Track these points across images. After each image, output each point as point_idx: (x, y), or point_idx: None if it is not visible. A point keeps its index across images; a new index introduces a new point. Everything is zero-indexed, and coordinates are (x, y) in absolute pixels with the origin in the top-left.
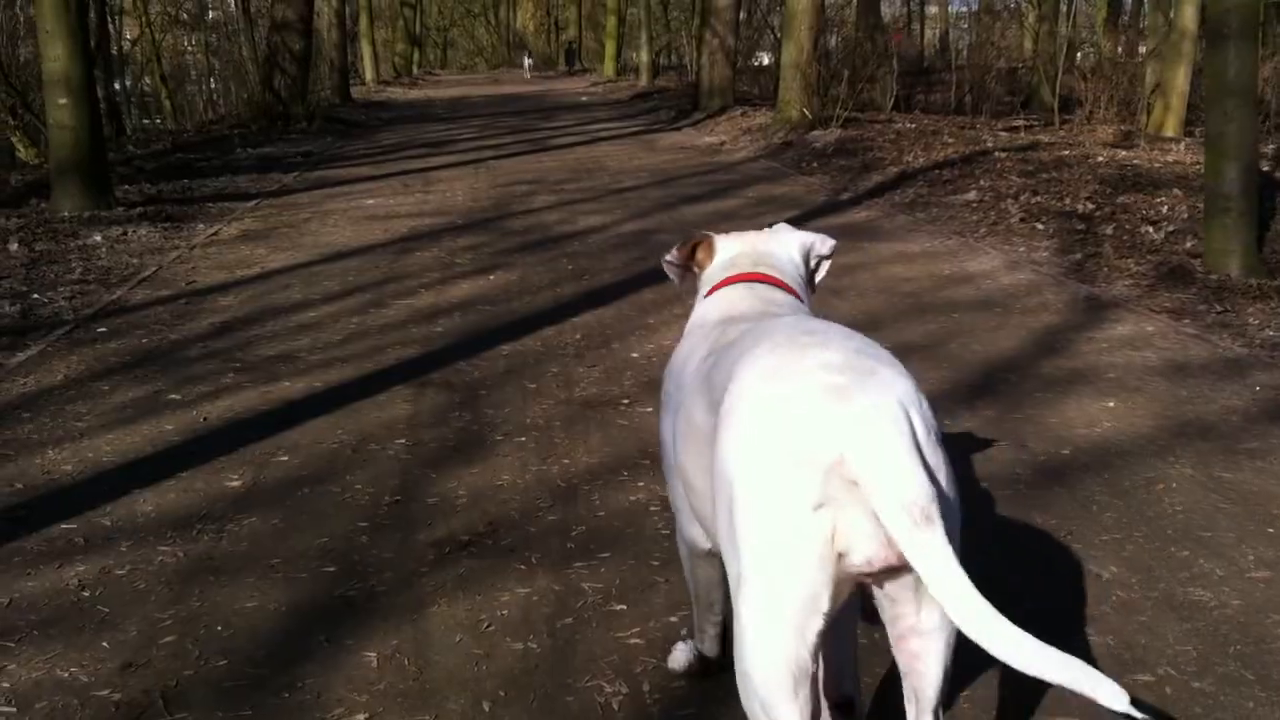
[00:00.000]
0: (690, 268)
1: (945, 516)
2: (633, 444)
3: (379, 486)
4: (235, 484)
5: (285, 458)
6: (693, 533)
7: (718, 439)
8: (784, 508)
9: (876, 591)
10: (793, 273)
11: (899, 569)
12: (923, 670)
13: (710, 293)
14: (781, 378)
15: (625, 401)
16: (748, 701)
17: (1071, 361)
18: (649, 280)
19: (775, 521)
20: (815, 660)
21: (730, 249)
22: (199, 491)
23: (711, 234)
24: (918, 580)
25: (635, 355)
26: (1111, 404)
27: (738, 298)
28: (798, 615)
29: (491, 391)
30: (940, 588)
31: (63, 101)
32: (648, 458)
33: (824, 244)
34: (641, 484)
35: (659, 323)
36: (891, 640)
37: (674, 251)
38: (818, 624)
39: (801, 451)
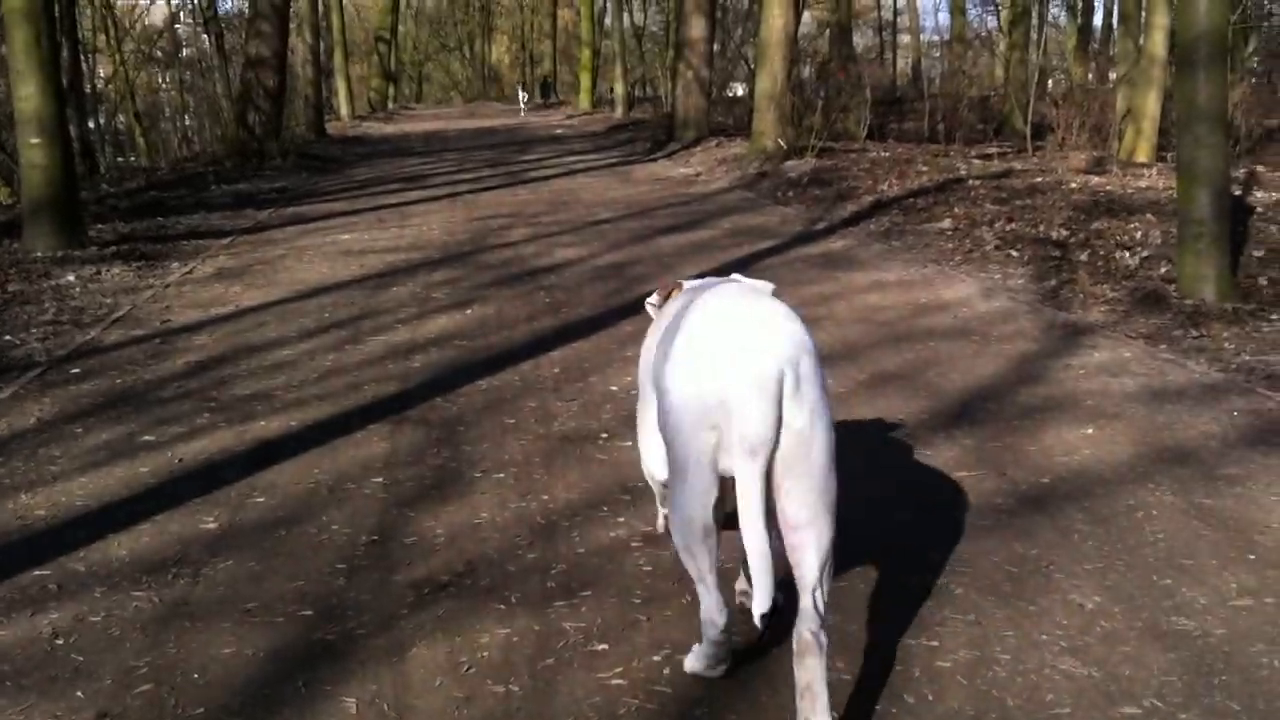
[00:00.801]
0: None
1: (813, 444)
2: (612, 479)
3: (356, 526)
4: (210, 526)
5: (261, 498)
6: (653, 466)
7: (662, 381)
8: (689, 427)
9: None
10: None
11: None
12: (799, 559)
13: None
14: (700, 343)
15: (604, 436)
16: (677, 542)
17: (1049, 389)
18: (626, 313)
19: (685, 434)
20: (716, 522)
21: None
22: (174, 534)
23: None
24: (781, 479)
25: (613, 389)
26: (1090, 431)
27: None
28: (699, 493)
29: (469, 428)
30: (743, 501)
31: (35, 141)
32: (627, 493)
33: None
34: (621, 519)
35: (636, 356)
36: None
37: (655, 295)
38: (712, 499)
39: (703, 393)
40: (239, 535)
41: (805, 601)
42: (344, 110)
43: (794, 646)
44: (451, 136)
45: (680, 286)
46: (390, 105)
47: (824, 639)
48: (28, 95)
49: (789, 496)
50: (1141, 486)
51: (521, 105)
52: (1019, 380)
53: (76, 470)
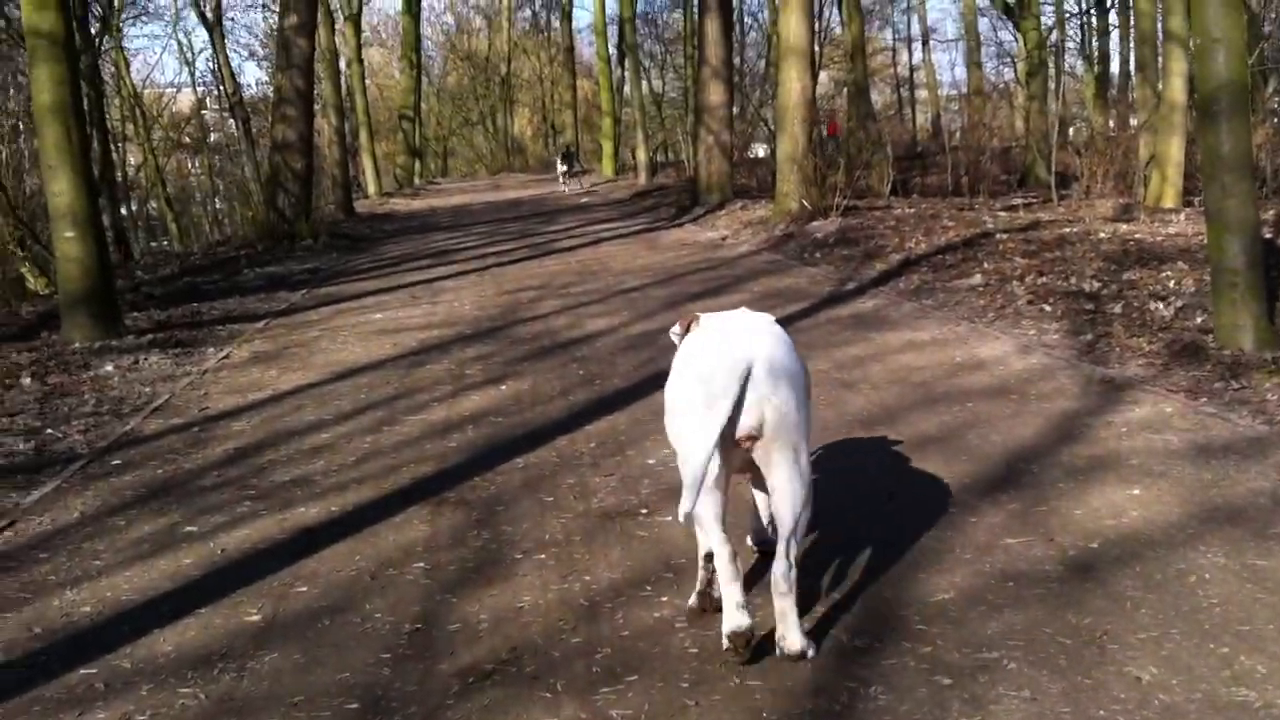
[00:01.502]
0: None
1: (788, 421)
2: (654, 556)
3: (399, 614)
4: (255, 618)
5: (304, 588)
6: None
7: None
8: (684, 406)
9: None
10: None
11: (746, 446)
12: (779, 516)
13: None
14: (697, 353)
15: (644, 511)
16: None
17: (1092, 448)
18: (660, 383)
19: (690, 410)
20: (718, 488)
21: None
22: (219, 628)
23: (699, 313)
24: (764, 455)
25: (651, 461)
26: (1136, 491)
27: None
28: (704, 454)
29: (509, 507)
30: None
31: (69, 234)
32: (670, 570)
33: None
34: (665, 599)
35: None
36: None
37: (676, 326)
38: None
39: (700, 383)
40: (283, 627)
41: (780, 549)
42: (371, 188)
43: (771, 584)
44: (478, 209)
45: (698, 317)
46: (417, 181)
47: (793, 578)
48: (60, 190)
49: (772, 464)
50: (1192, 548)
51: (561, 177)
52: (1061, 440)
53: (120, 564)
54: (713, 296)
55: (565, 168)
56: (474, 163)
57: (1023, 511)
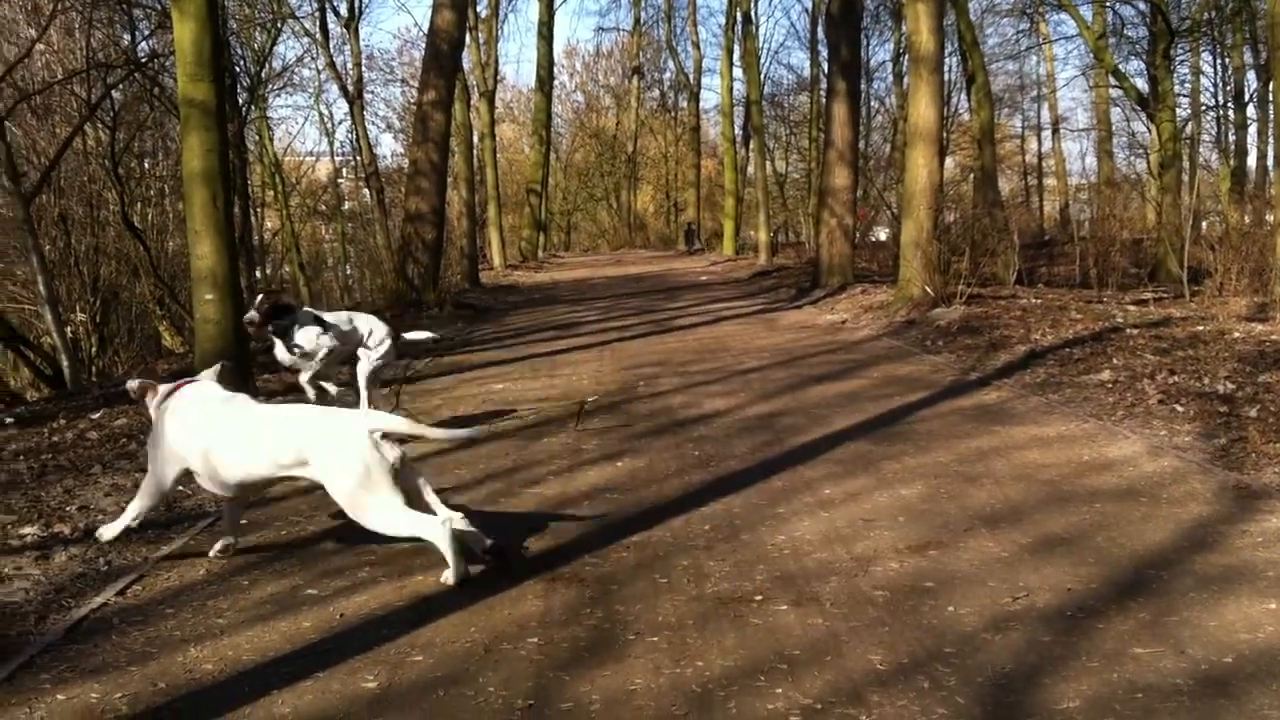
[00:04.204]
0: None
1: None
2: (768, 645)
3: (512, 689)
4: (371, 685)
5: (419, 657)
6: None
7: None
8: None
9: None
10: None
11: None
12: None
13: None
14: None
15: (758, 598)
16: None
17: (1226, 557)
18: (777, 467)
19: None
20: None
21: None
22: (335, 693)
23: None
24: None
25: (767, 547)
26: (1273, 606)
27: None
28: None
29: (622, 586)
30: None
31: (209, 297)
32: (785, 661)
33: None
34: (779, 690)
35: (790, 512)
36: None
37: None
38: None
39: None
40: (398, 696)
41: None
42: (497, 259)
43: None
44: (599, 284)
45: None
46: (540, 254)
47: None
48: (204, 254)
49: None
50: None
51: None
52: (1193, 547)
53: (243, 623)
54: (832, 381)
55: (698, 245)
56: (596, 237)
57: (1152, 620)
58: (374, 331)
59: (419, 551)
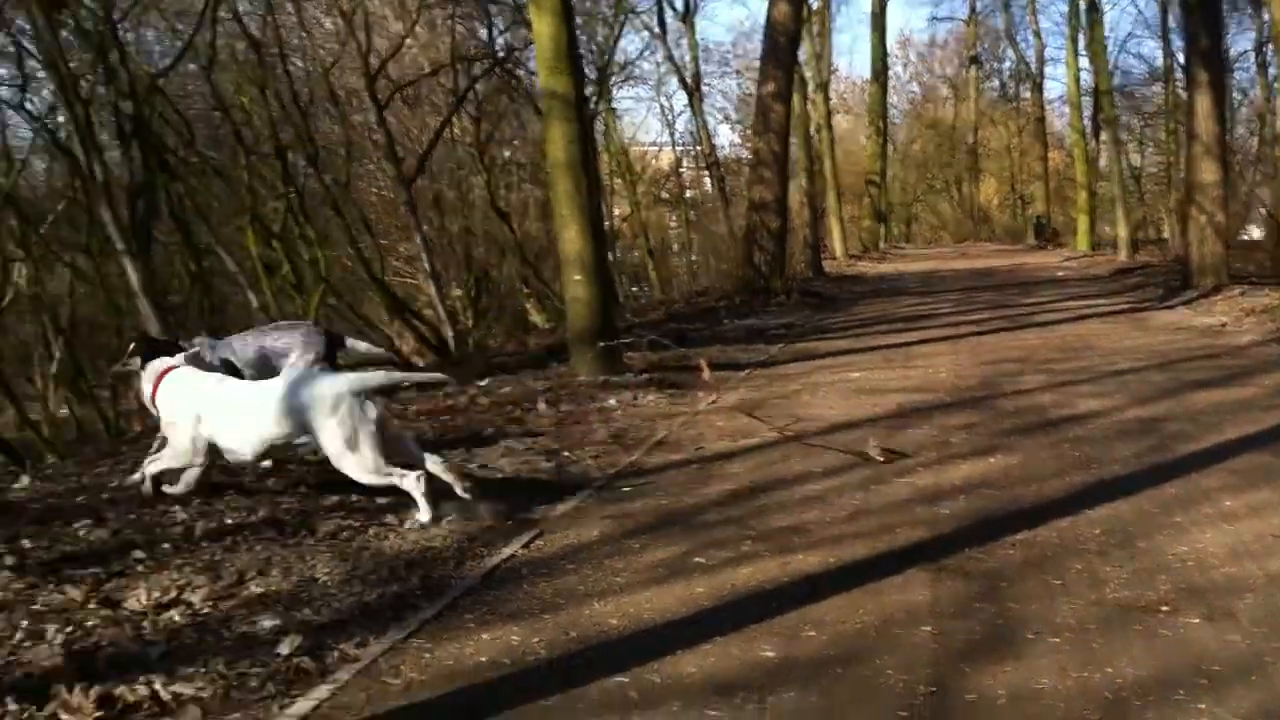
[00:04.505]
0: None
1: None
2: (1182, 660)
3: (912, 674)
4: (769, 654)
5: (812, 632)
6: None
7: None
8: None
9: None
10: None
11: None
12: None
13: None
14: None
15: (1164, 609)
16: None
17: None
18: (1168, 474)
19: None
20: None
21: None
22: (735, 658)
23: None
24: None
25: (1168, 557)
26: None
27: None
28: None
29: (1011, 584)
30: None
31: (577, 277)
32: (1205, 676)
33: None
34: (1202, 705)
35: (1188, 522)
36: None
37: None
38: None
39: None
40: (797, 668)
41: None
42: (838, 249)
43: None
44: (947, 276)
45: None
46: (881, 245)
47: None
48: (570, 238)
49: None
50: None
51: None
52: None
53: (639, 584)
54: (1218, 387)
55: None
56: (938, 229)
57: None
58: (294, 352)
59: (798, 531)
